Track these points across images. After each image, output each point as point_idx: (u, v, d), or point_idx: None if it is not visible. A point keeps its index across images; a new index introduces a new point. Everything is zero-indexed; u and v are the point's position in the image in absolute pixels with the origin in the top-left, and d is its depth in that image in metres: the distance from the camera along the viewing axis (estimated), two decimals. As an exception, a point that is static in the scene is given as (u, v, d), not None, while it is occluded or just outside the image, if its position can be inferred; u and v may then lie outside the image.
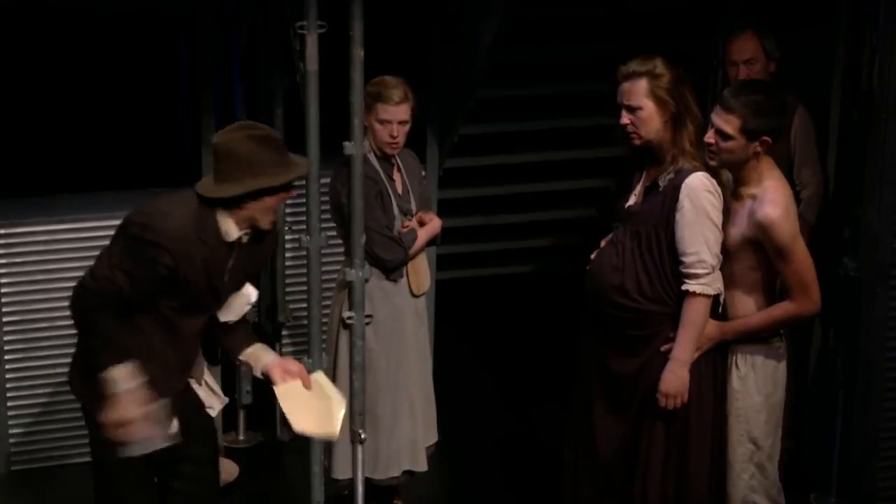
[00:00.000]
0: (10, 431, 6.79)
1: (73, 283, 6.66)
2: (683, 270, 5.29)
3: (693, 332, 5.30)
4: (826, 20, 6.61)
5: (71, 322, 6.71)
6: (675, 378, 5.31)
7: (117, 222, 6.69)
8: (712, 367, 5.39)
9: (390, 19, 6.79)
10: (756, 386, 5.42)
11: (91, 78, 7.49)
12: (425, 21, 7.15)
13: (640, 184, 5.43)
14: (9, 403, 6.75)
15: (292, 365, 5.16)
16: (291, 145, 5.51)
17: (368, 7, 5.67)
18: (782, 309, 5.36)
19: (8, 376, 6.72)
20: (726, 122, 5.25)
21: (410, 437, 6.21)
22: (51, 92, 7.47)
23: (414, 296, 6.17)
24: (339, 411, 5.08)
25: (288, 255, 7.01)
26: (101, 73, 7.49)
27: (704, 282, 5.28)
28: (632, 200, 5.44)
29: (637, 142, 5.37)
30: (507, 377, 7.65)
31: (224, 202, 4.93)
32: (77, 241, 6.71)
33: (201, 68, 6.84)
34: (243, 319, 5.27)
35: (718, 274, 5.32)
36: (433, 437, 6.38)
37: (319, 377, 5.19)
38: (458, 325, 7.95)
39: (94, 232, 6.74)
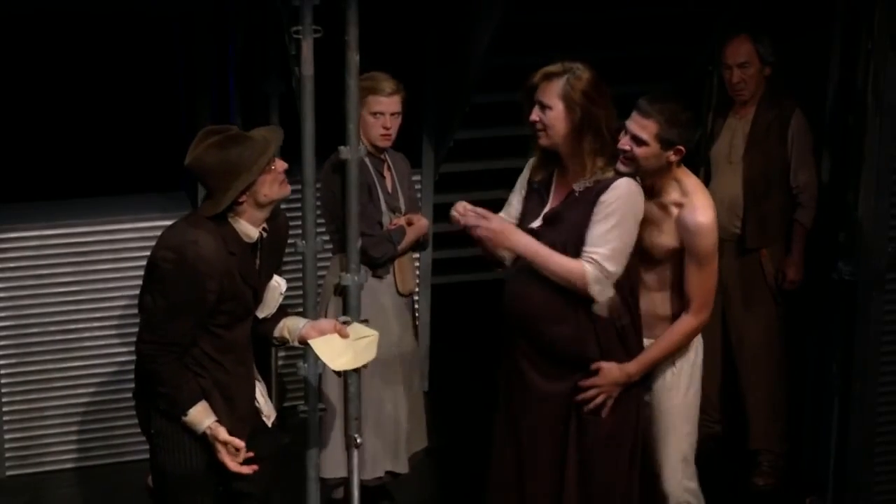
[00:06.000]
0: (5, 437, 6.78)
1: (65, 289, 6.76)
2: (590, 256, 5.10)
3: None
4: (822, 26, 6.61)
5: (63, 327, 6.78)
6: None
7: (111, 227, 6.77)
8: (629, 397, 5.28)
9: (386, 24, 6.79)
10: (686, 381, 5.39)
11: (86, 83, 7.48)
12: (421, 26, 7.15)
13: (552, 193, 5.28)
14: (4, 409, 6.74)
15: (324, 323, 5.33)
16: (287, 150, 5.52)
17: (364, 12, 5.67)
18: (684, 324, 5.28)
19: (2, 381, 6.71)
20: (643, 127, 5.18)
21: (393, 436, 6.20)
22: (45, 97, 7.46)
23: (400, 295, 6.16)
24: (375, 342, 5.30)
25: (284, 259, 6.98)
26: (96, 78, 7.48)
27: (599, 280, 5.11)
28: (546, 208, 5.27)
29: (544, 142, 5.23)
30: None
31: (229, 209, 5.05)
32: (70, 246, 6.71)
33: (197, 73, 6.84)
34: (280, 308, 5.41)
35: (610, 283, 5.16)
36: (421, 444, 6.38)
37: (355, 325, 5.37)
38: (453, 329, 7.94)
39: (87, 237, 6.74)
